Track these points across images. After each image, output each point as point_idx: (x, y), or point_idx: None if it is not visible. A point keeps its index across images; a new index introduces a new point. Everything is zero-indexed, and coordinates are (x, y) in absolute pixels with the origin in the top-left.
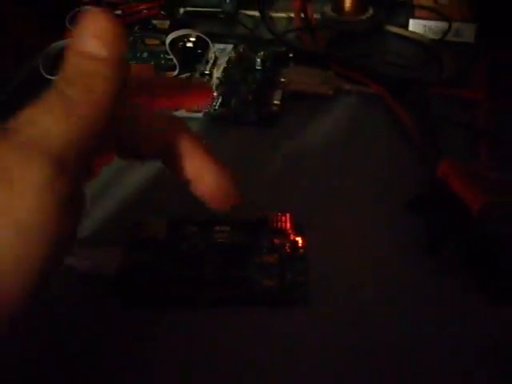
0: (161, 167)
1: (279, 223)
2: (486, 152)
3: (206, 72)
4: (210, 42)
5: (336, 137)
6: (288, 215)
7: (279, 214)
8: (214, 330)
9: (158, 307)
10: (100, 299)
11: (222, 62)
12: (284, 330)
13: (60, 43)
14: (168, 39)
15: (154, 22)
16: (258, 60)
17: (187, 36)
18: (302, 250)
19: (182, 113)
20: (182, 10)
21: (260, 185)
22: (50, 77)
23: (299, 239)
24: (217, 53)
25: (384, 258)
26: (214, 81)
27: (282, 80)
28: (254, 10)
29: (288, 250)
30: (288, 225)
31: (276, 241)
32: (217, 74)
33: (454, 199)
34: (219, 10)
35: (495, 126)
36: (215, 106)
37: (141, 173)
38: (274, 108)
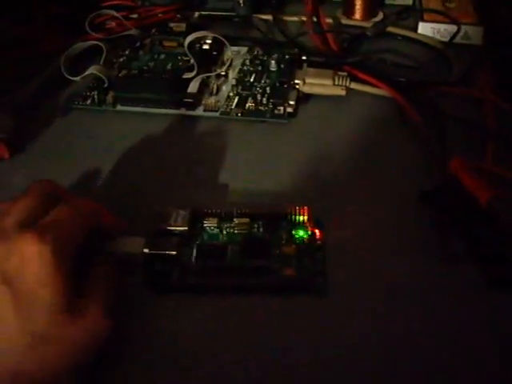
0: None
1: (298, 216)
2: (493, 149)
3: (222, 73)
4: (226, 43)
5: (349, 136)
6: (306, 208)
7: (297, 207)
8: (233, 317)
9: (182, 294)
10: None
11: (237, 64)
12: (302, 318)
13: (80, 45)
14: (187, 41)
15: (171, 24)
16: (273, 62)
17: (204, 38)
18: (319, 242)
19: (198, 112)
20: (197, 14)
21: (274, 181)
22: (70, 77)
23: (317, 231)
24: (232, 55)
25: (397, 249)
26: (230, 81)
27: (297, 81)
28: (268, 13)
29: (306, 242)
30: (306, 217)
31: (294, 233)
32: (232, 74)
33: (464, 193)
34: (233, 13)
35: (502, 124)
36: (231, 105)
37: (165, 168)
38: (289, 108)
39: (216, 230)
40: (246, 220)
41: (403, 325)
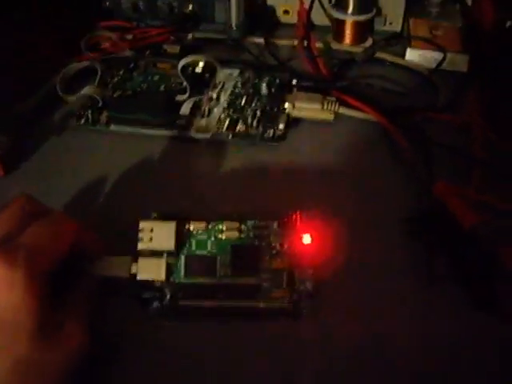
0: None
1: (289, 221)
2: (478, 176)
3: (214, 96)
4: (218, 66)
5: (336, 159)
6: (298, 213)
7: (289, 212)
8: (223, 339)
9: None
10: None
11: (229, 86)
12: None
13: (75, 65)
14: (180, 64)
15: (165, 46)
16: (264, 85)
17: (197, 61)
18: (310, 252)
19: (190, 133)
20: (190, 36)
21: (263, 200)
22: (66, 97)
23: (308, 237)
24: (224, 77)
25: (384, 270)
26: (222, 104)
27: (286, 106)
28: (259, 37)
29: (297, 253)
30: (297, 222)
31: (285, 242)
32: (224, 97)
33: (449, 217)
34: (226, 36)
35: (488, 151)
36: (223, 127)
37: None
38: (279, 132)
39: (204, 236)
40: (236, 224)
41: (391, 344)
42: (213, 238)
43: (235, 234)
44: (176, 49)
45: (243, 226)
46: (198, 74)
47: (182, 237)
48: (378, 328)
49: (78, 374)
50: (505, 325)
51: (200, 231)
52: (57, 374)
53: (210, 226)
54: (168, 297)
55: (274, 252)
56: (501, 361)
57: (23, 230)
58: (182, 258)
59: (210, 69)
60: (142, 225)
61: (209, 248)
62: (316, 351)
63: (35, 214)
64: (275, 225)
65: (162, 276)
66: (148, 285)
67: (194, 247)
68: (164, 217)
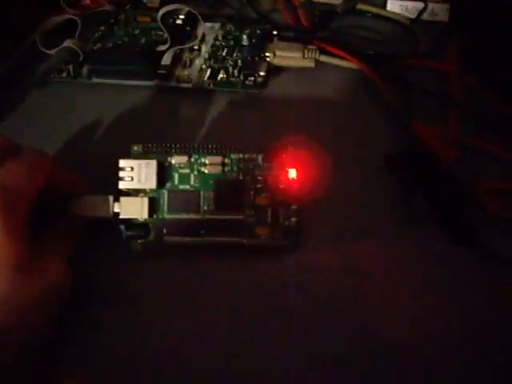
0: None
1: (274, 155)
2: (455, 118)
3: (195, 47)
4: (199, 17)
5: (318, 104)
6: (283, 149)
7: (273, 147)
8: (208, 276)
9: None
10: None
11: (210, 39)
12: (274, 275)
13: (56, 19)
14: (160, 12)
15: (145, 0)
16: (245, 36)
17: (177, 13)
18: (295, 187)
19: (172, 83)
20: None
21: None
22: (47, 51)
23: (293, 171)
24: (205, 30)
25: (363, 210)
26: (203, 55)
27: (267, 54)
28: None
29: (282, 188)
30: (283, 155)
31: (270, 176)
32: (205, 49)
33: (426, 156)
34: None
35: (465, 94)
36: (204, 77)
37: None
38: (259, 79)
39: (186, 170)
40: (219, 158)
41: (370, 280)
42: (196, 172)
43: (218, 168)
44: (156, 2)
45: (226, 160)
46: (178, 25)
47: (163, 171)
48: (359, 264)
49: (59, 310)
50: (485, 262)
51: (182, 165)
52: (38, 310)
53: (192, 160)
54: (152, 233)
55: (258, 186)
56: (477, 296)
57: None
58: (165, 193)
59: (190, 22)
60: (123, 163)
61: (192, 182)
62: (299, 287)
63: (7, 151)
64: (260, 158)
65: (145, 214)
66: (131, 222)
67: (176, 182)
68: (144, 151)
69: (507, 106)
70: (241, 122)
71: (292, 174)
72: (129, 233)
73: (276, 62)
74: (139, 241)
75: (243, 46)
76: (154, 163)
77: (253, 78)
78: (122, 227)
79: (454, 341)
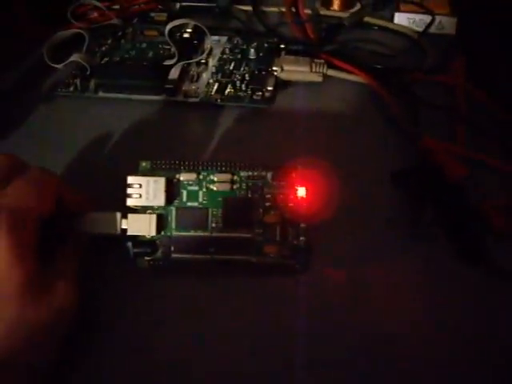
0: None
1: (283, 173)
2: (462, 132)
3: (202, 61)
4: (207, 31)
5: (326, 118)
6: (293, 168)
7: (283, 166)
8: (215, 293)
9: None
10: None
11: (217, 52)
12: (283, 293)
13: (63, 33)
14: (168, 27)
15: (153, 14)
16: (252, 50)
17: (184, 27)
18: (305, 205)
19: (179, 98)
20: (178, 5)
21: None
22: (54, 65)
23: (303, 189)
24: (212, 44)
25: (371, 226)
26: (210, 69)
27: (275, 68)
28: (248, 4)
29: (291, 207)
30: (292, 174)
31: (279, 194)
32: (212, 62)
33: (433, 171)
34: (214, 4)
35: (472, 109)
36: (211, 92)
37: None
38: (267, 94)
39: (195, 187)
40: (228, 176)
41: (380, 294)
42: (204, 189)
43: (227, 186)
44: (163, 16)
45: (236, 177)
46: (186, 39)
47: (172, 188)
48: (368, 279)
49: (67, 331)
50: (490, 278)
51: (191, 182)
52: (47, 333)
53: (201, 177)
54: (160, 251)
55: (267, 205)
56: (480, 311)
57: (4, 190)
58: (173, 210)
59: (198, 35)
60: (131, 180)
61: (200, 199)
62: (308, 306)
63: (14, 170)
64: (269, 176)
65: (153, 232)
66: (139, 239)
67: (184, 199)
68: (153, 167)
69: None
70: (249, 136)
71: (301, 192)
72: (136, 250)
73: (283, 76)
74: (146, 258)
75: (250, 59)
76: (162, 180)
77: (260, 93)
78: (130, 244)
79: (459, 356)
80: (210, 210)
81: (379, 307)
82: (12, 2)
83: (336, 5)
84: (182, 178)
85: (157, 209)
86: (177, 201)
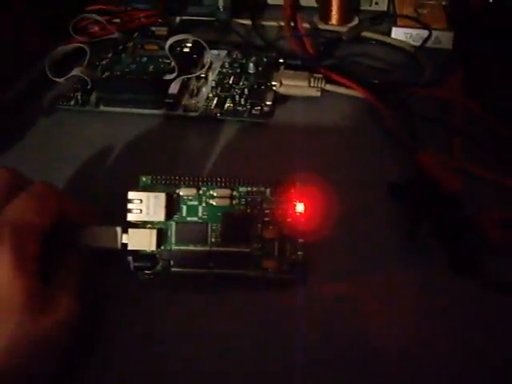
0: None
1: (281, 189)
2: (459, 146)
3: (202, 75)
4: (206, 46)
5: (324, 133)
6: (292, 184)
7: (282, 182)
8: (214, 307)
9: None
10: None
11: (217, 67)
12: (281, 307)
13: (64, 47)
14: (168, 42)
15: (153, 28)
16: (251, 64)
17: (184, 41)
18: (303, 221)
19: (179, 112)
20: (178, 19)
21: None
22: (55, 79)
23: (301, 205)
24: (212, 58)
25: (368, 240)
26: (210, 83)
27: (274, 83)
28: (247, 18)
29: (289, 222)
30: (291, 190)
31: (278, 209)
32: (212, 77)
33: (430, 184)
34: (213, 18)
35: (469, 122)
36: (211, 106)
37: (145, 166)
38: (266, 109)
39: (195, 202)
40: (227, 191)
41: (378, 312)
42: (204, 204)
43: (227, 201)
44: (164, 31)
45: (235, 193)
46: (185, 53)
47: (172, 203)
48: (365, 292)
49: (68, 344)
50: (484, 290)
51: (191, 197)
52: (48, 345)
53: (200, 192)
54: (159, 265)
55: (265, 220)
56: (477, 324)
57: (6, 204)
58: (173, 224)
59: (197, 50)
60: (131, 195)
61: (200, 214)
62: (306, 320)
63: (15, 185)
64: (268, 192)
65: (153, 246)
66: (139, 253)
67: (184, 213)
68: (153, 182)
69: (509, 133)
70: (248, 150)
71: (300, 208)
72: (136, 264)
73: (282, 90)
74: (147, 272)
75: (249, 73)
76: (162, 196)
77: (259, 108)
78: (130, 258)
79: (455, 368)
80: (210, 225)
81: (377, 320)
82: (14, 16)
83: (334, 19)
84: (182, 193)
85: (157, 223)
86: (177, 215)
